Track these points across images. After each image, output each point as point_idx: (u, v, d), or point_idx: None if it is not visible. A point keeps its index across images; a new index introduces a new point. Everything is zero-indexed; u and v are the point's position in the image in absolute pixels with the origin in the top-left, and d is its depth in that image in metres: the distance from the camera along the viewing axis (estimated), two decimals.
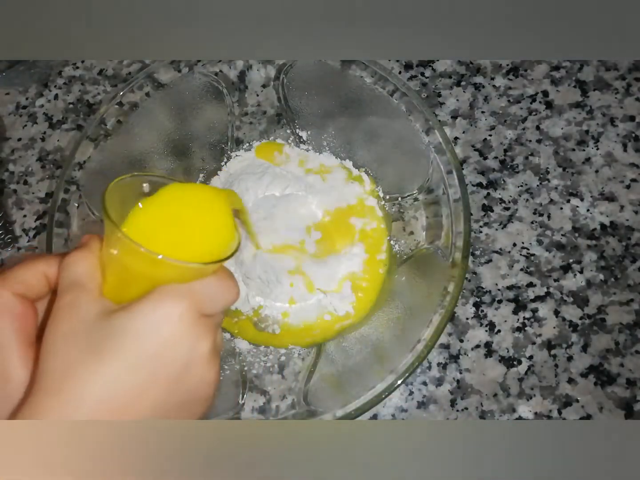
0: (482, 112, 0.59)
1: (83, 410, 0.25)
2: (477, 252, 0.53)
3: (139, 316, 0.27)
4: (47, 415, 0.25)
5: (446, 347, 0.50)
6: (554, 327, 0.50)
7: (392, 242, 0.52)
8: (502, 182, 0.56)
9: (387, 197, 0.53)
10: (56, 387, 0.26)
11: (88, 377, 0.26)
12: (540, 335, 0.50)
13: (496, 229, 0.54)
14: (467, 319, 0.51)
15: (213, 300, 0.29)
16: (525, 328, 0.50)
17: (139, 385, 0.27)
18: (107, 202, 0.29)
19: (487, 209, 0.55)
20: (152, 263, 0.27)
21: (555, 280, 0.52)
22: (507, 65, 0.61)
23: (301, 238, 0.51)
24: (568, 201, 0.54)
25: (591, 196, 0.54)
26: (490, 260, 0.53)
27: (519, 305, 0.51)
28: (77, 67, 0.66)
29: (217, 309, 0.30)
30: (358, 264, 0.50)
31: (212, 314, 0.30)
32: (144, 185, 0.32)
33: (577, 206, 0.54)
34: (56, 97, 0.64)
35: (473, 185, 0.56)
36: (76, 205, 0.46)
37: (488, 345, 0.50)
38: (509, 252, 0.53)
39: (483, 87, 0.60)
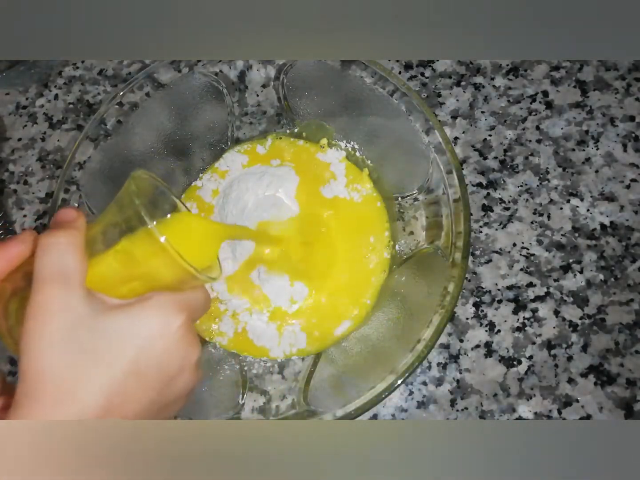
0: (482, 112, 0.59)
1: (84, 417, 0.25)
2: (477, 252, 0.53)
3: (138, 321, 0.27)
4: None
5: (446, 347, 0.50)
6: (554, 327, 0.50)
7: (392, 242, 0.52)
8: (502, 182, 0.56)
9: (387, 197, 0.53)
10: (54, 395, 0.25)
11: (88, 385, 0.25)
12: (540, 335, 0.50)
13: (496, 229, 0.54)
14: (467, 319, 0.51)
15: (202, 310, 0.31)
16: (525, 328, 0.50)
17: (136, 389, 0.27)
18: (135, 186, 0.28)
19: (487, 209, 0.55)
20: (172, 267, 0.27)
21: (555, 280, 0.52)
22: (507, 65, 0.61)
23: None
24: (568, 201, 0.54)
25: (591, 196, 0.54)
26: (490, 260, 0.53)
27: (519, 305, 0.51)
28: (77, 67, 0.66)
29: (200, 317, 0.31)
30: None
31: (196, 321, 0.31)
32: (156, 189, 0.32)
33: (577, 206, 0.54)
34: (56, 97, 0.64)
35: (473, 185, 0.56)
36: (76, 205, 0.46)
37: (488, 345, 0.50)
38: (509, 252, 0.53)
39: (483, 87, 0.60)
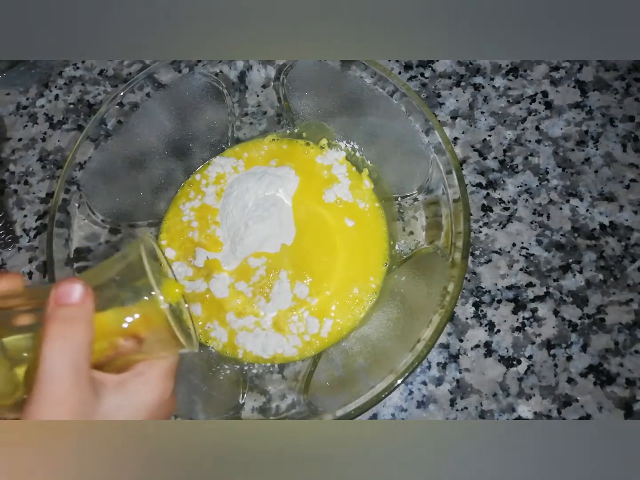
0: (482, 112, 0.59)
1: None
2: (477, 252, 0.53)
3: (137, 397, 0.29)
4: None
5: (446, 346, 0.50)
6: (554, 327, 0.50)
7: (392, 242, 0.52)
8: (502, 182, 0.56)
9: (387, 197, 0.53)
10: None
11: None
12: (539, 335, 0.50)
13: (496, 229, 0.54)
14: (467, 318, 0.51)
15: (178, 364, 0.33)
16: (525, 328, 0.50)
17: None
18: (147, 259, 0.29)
19: (486, 209, 0.55)
20: (169, 341, 0.29)
21: (554, 280, 0.52)
22: (507, 65, 0.61)
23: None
24: (567, 201, 0.54)
25: (590, 196, 0.54)
26: (489, 260, 0.53)
27: (519, 305, 0.51)
28: (78, 68, 0.66)
29: None
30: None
31: None
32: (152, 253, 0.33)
33: (577, 206, 0.54)
34: (57, 97, 0.65)
35: (472, 186, 0.56)
36: (77, 205, 0.46)
37: (487, 345, 0.50)
38: (509, 252, 0.53)
39: (483, 87, 0.60)
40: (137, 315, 0.29)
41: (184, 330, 0.32)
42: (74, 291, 0.27)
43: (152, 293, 0.28)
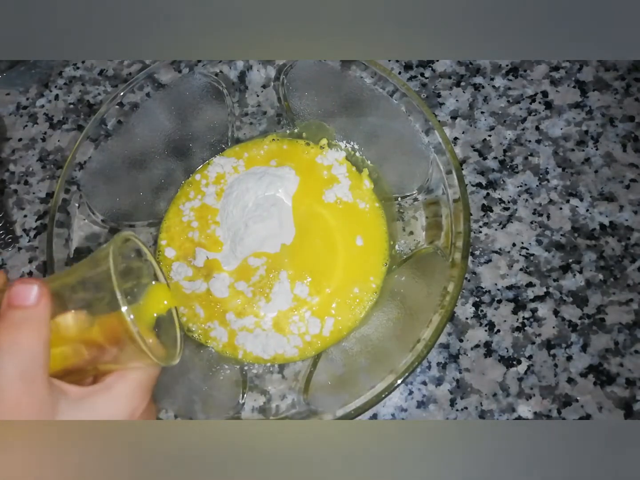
0: (482, 112, 0.59)
1: None
2: (477, 252, 0.53)
3: (104, 412, 0.27)
4: None
5: (446, 346, 0.50)
6: (554, 327, 0.50)
7: (392, 242, 0.52)
8: (502, 182, 0.56)
9: (387, 197, 0.53)
10: None
11: None
12: (539, 335, 0.50)
13: (496, 229, 0.54)
14: (467, 318, 0.51)
15: (157, 377, 0.30)
16: (525, 328, 0.50)
17: None
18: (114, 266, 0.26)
19: (486, 209, 0.55)
20: (139, 354, 0.27)
21: (554, 280, 0.52)
22: (507, 65, 0.61)
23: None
24: (567, 201, 0.55)
25: (590, 196, 0.54)
26: (489, 260, 0.53)
27: (519, 305, 0.51)
28: (78, 68, 0.66)
29: None
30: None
31: None
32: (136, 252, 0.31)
33: (577, 206, 0.54)
34: (57, 97, 0.65)
35: (472, 186, 0.56)
36: (77, 205, 0.46)
37: (487, 345, 0.50)
38: (509, 252, 0.53)
39: (483, 87, 0.60)
40: (103, 323, 0.27)
41: (170, 337, 0.30)
42: (30, 292, 0.26)
43: (117, 302, 0.26)
